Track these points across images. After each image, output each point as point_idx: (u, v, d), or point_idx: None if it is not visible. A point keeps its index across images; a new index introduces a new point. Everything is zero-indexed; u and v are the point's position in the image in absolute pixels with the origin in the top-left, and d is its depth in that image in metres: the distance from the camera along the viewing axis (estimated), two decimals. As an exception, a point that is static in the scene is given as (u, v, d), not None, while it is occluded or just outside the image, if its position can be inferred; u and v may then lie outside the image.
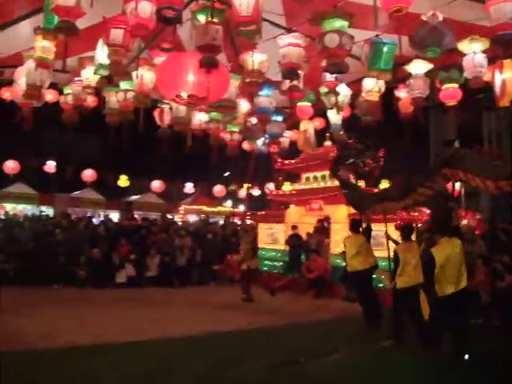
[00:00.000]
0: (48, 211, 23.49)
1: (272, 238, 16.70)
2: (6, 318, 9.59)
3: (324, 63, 7.64)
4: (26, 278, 13.75)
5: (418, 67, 9.29)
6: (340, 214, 13.93)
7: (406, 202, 8.99)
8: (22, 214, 20.98)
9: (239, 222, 22.82)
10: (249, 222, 20.99)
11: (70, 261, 14.63)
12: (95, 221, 20.32)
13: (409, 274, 8.31)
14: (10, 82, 10.72)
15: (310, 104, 11.60)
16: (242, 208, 28.44)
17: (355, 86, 10.67)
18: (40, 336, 8.41)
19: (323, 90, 10.45)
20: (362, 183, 12.03)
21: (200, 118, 11.26)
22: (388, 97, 10.55)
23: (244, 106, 11.04)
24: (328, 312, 11.31)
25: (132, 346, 8.09)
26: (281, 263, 16.17)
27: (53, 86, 10.52)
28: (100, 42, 8.45)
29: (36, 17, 8.82)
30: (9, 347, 7.60)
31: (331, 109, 10.97)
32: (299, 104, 11.45)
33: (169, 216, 23.53)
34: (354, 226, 10.41)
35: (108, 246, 15.46)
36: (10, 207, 23.68)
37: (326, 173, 15.53)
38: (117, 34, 7.58)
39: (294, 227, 15.20)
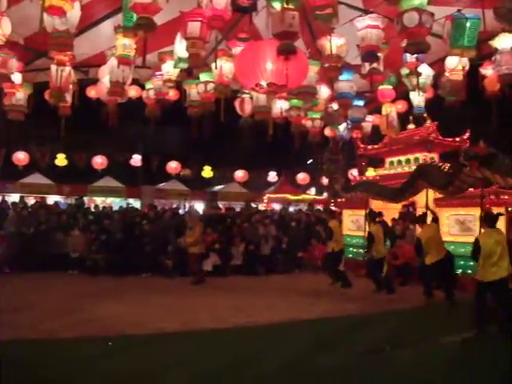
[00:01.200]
0: (135, 203, 24.27)
1: (357, 224, 16.43)
2: (97, 306, 10.04)
3: (404, 43, 7.43)
4: (116, 268, 14.32)
5: (505, 41, 8.67)
6: (425, 200, 13.54)
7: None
8: (110, 206, 21.77)
9: (322, 209, 22.68)
10: (333, 208, 20.87)
11: (158, 250, 15.07)
12: (181, 211, 20.73)
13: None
14: (94, 81, 11.11)
15: (391, 87, 11.31)
16: (325, 195, 28.21)
17: (438, 65, 10.34)
18: (129, 323, 8.71)
19: (404, 71, 10.18)
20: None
21: (281, 105, 11.24)
22: (473, 75, 10.11)
23: (324, 91, 10.93)
24: (414, 300, 11.04)
25: (218, 333, 8.26)
26: (366, 250, 15.91)
27: (135, 81, 10.84)
28: (178, 36, 8.58)
29: (116, 16, 9.09)
30: (99, 333, 7.96)
31: (413, 90, 10.66)
32: (380, 87, 11.18)
33: (253, 205, 23.67)
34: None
35: (194, 236, 15.75)
36: (99, 200, 24.66)
37: (411, 157, 15.25)
38: (194, 27, 7.67)
39: (380, 214, 14.92)
